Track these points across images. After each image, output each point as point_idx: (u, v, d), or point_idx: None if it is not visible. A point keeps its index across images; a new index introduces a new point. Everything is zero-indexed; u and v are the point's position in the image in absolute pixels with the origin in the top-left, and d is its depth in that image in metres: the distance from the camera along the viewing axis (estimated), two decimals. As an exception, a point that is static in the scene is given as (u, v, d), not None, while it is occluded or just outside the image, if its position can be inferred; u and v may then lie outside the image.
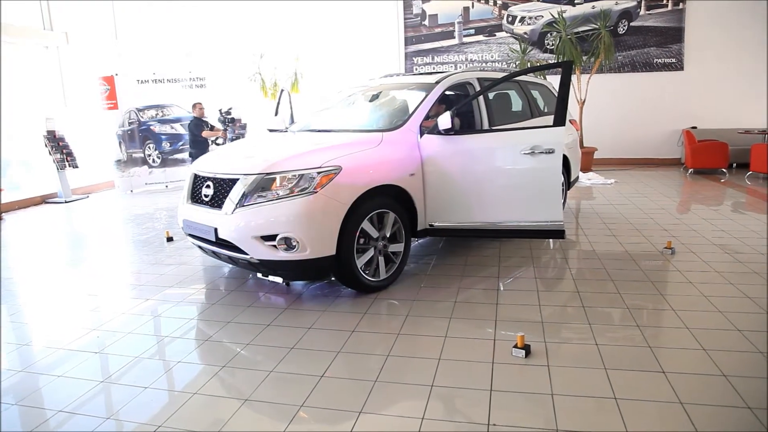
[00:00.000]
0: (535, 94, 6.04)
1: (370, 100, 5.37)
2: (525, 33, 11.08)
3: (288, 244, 3.65)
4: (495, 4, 11.19)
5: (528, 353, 2.97)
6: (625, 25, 10.64)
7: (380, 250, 4.06)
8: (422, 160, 4.33)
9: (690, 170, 9.61)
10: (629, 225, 5.89)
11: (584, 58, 10.09)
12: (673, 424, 2.31)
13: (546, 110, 5.98)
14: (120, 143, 10.08)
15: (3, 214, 8.19)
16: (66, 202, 9.30)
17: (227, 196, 3.85)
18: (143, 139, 10.17)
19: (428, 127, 4.41)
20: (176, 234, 6.07)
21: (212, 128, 8.86)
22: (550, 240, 5.35)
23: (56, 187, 9.48)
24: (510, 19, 11.16)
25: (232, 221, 3.76)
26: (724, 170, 9.43)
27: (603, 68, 10.38)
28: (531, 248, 5.10)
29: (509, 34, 11.22)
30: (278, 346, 3.24)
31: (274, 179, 3.74)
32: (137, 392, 2.79)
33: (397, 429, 2.38)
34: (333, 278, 4.12)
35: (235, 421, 2.48)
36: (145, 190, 10.19)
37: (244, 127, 10.94)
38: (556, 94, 4.20)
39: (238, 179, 3.85)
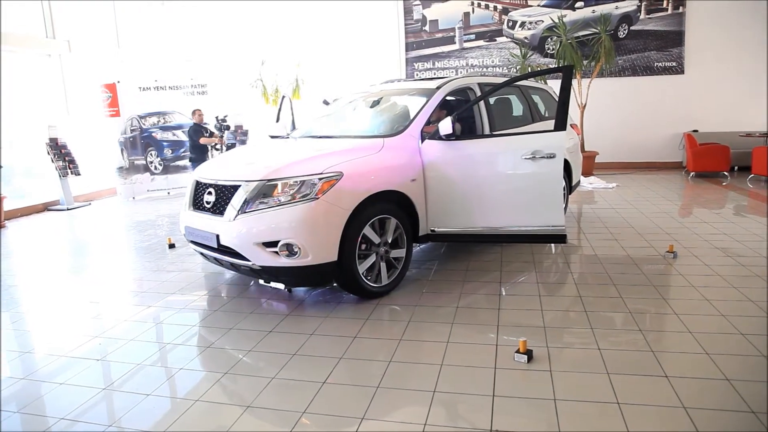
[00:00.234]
0: (536, 98, 6.05)
1: (371, 106, 5.38)
2: (525, 38, 11.10)
3: (290, 250, 3.65)
4: (495, 9, 11.23)
5: (530, 358, 2.96)
6: (625, 29, 10.66)
7: (382, 255, 4.06)
8: (423, 166, 4.34)
9: (691, 174, 9.60)
10: (631, 229, 5.88)
11: (585, 62, 10.12)
12: (675, 429, 2.30)
13: (547, 115, 5.99)
14: (122, 150, 10.12)
15: (5, 221, 8.21)
16: (68, 209, 9.32)
17: (229, 202, 3.86)
18: (145, 146, 10.20)
19: (429, 132, 4.41)
20: (178, 241, 6.07)
21: (211, 134, 8.92)
22: (552, 245, 5.34)
23: (58, 195, 9.50)
24: (510, 24, 11.19)
25: (233, 228, 3.77)
26: (725, 173, 9.42)
27: (604, 72, 10.40)
28: (533, 253, 5.10)
29: (510, 39, 11.25)
30: (280, 353, 3.24)
31: (275, 185, 3.74)
32: (140, 399, 2.78)
33: (399, 435, 2.38)
34: (335, 284, 4.11)
35: (238, 428, 2.48)
36: (147, 197, 10.21)
37: (245, 133, 10.97)
38: (557, 99, 4.21)
39: (239, 186, 3.85)
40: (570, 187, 6.19)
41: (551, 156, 4.07)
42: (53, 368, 3.21)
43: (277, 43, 11.98)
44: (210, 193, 4.08)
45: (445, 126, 4.21)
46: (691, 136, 9.71)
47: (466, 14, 11.38)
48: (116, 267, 5.49)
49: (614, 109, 10.80)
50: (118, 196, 10.31)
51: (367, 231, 3.90)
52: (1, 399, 2.87)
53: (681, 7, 10.31)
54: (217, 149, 9.17)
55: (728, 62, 10.20)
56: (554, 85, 6.01)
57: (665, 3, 10.39)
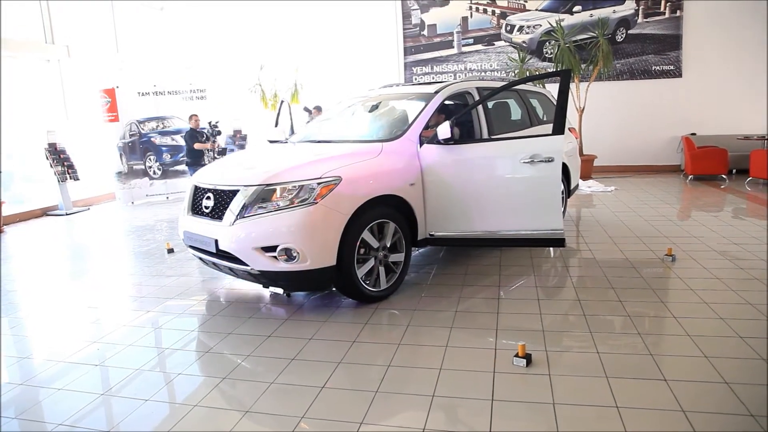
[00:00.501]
0: (534, 102, 6.07)
1: (370, 111, 5.39)
2: (523, 42, 11.14)
3: (288, 254, 3.65)
4: (493, 13, 11.26)
5: (529, 362, 2.96)
6: (623, 33, 10.69)
7: (381, 260, 4.06)
8: (422, 170, 4.34)
9: (690, 177, 9.62)
10: (629, 232, 5.89)
11: (583, 66, 10.14)
12: (675, 433, 2.30)
13: (545, 119, 6.00)
14: (121, 155, 10.12)
15: (4, 226, 8.21)
16: (67, 214, 9.32)
17: (227, 207, 3.86)
18: (144, 151, 10.22)
19: (428, 136, 4.42)
20: (177, 245, 6.07)
21: (206, 140, 8.98)
22: (551, 248, 5.35)
23: (57, 200, 9.50)
24: (508, 28, 11.23)
25: (232, 232, 3.77)
26: (723, 176, 9.44)
27: (602, 76, 10.42)
28: (531, 257, 5.10)
29: (508, 43, 11.28)
30: (279, 357, 3.24)
31: (274, 190, 3.75)
32: (138, 405, 2.78)
33: (398, 440, 2.38)
34: (333, 289, 4.11)
35: (236, 433, 2.48)
36: (146, 202, 10.22)
37: (244, 138, 11.00)
38: (555, 103, 4.22)
39: (238, 190, 3.86)
40: (568, 191, 6.20)
41: (549, 160, 4.08)
42: (52, 373, 3.21)
43: (275, 48, 12.00)
44: (209, 197, 4.08)
45: (444, 130, 4.22)
46: (689, 140, 9.73)
47: (465, 18, 11.42)
48: (115, 272, 5.49)
49: (612, 113, 10.82)
50: (116, 200, 10.31)
51: (366, 235, 3.90)
52: (0, 404, 2.87)
53: (678, 11, 10.35)
54: (212, 153, 9.23)
55: (726, 65, 10.23)
56: (552, 89, 6.03)
57: (663, 7, 10.43)
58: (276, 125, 5.92)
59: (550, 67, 10.81)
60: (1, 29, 8.77)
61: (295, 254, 3.63)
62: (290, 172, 3.86)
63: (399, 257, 4.20)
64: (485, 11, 11.30)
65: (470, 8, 11.35)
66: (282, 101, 6.11)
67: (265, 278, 3.86)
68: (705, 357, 2.95)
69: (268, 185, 3.76)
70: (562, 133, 4.08)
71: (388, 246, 4.10)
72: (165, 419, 2.64)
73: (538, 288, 4.24)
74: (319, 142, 4.92)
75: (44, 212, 9.47)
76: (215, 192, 4.06)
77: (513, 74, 10.88)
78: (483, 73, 11.46)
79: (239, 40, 12.10)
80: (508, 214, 4.32)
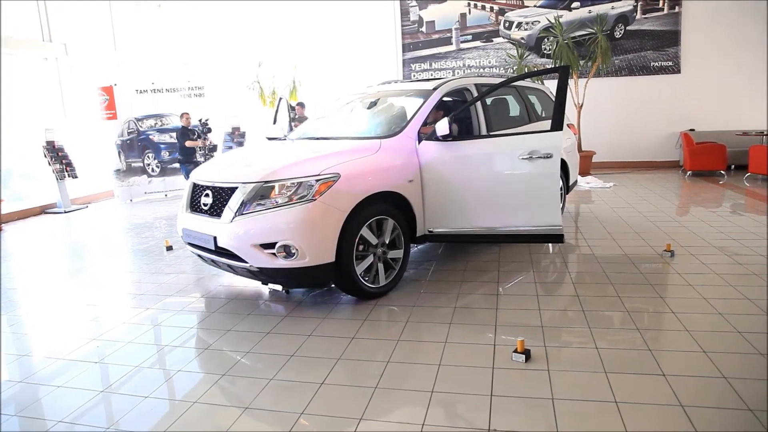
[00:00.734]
0: (533, 99, 6.06)
1: (368, 107, 5.38)
2: (522, 38, 11.12)
3: (287, 251, 3.65)
4: (492, 10, 11.24)
5: (528, 358, 2.97)
6: (621, 29, 10.68)
7: (379, 256, 4.07)
8: (420, 167, 4.34)
9: (688, 173, 9.62)
10: (628, 228, 5.89)
11: (581, 62, 10.14)
12: (674, 427, 2.31)
13: (544, 115, 6.00)
14: (119, 153, 10.11)
15: (3, 224, 8.20)
16: (65, 212, 9.31)
17: (226, 204, 3.86)
18: (142, 149, 10.20)
19: (426, 133, 4.42)
20: (176, 243, 6.07)
21: (198, 137, 9.00)
22: (549, 244, 5.35)
23: (56, 198, 9.49)
24: (507, 24, 11.21)
25: (231, 229, 3.77)
26: (722, 172, 9.45)
27: (600, 72, 10.42)
28: (530, 253, 5.10)
29: (506, 40, 11.26)
30: (278, 354, 3.24)
31: (272, 187, 3.75)
32: (137, 402, 2.78)
33: (397, 435, 2.38)
34: (333, 285, 4.12)
35: (236, 429, 2.48)
36: (145, 200, 10.21)
37: (242, 135, 10.99)
38: (554, 99, 4.22)
39: (236, 188, 3.86)
40: (567, 187, 6.21)
41: (548, 156, 4.08)
42: (51, 371, 3.21)
43: (273, 45, 11.98)
44: (207, 195, 4.08)
45: (442, 127, 4.21)
46: (688, 135, 9.73)
47: (463, 15, 11.40)
48: (114, 269, 5.49)
49: (611, 109, 10.82)
50: (115, 198, 10.30)
51: (365, 232, 3.90)
52: (0, 401, 2.87)
53: (677, 7, 10.33)
54: (203, 150, 9.28)
55: (725, 61, 10.22)
56: (551, 86, 6.02)
57: (661, 3, 10.41)
58: (274, 122, 5.91)
59: (549, 64, 10.80)
60: (0, 27, 8.74)
61: (293, 251, 3.63)
62: (289, 169, 3.85)
63: (398, 254, 4.20)
64: (483, 8, 11.28)
65: (468, 5, 11.33)
66: (280, 98, 6.10)
67: (264, 275, 3.87)
68: (704, 352, 2.96)
69: (266, 182, 3.76)
70: (561, 129, 4.07)
71: (387, 242, 4.10)
72: (165, 416, 2.64)
73: (537, 284, 4.25)
74: (317, 139, 4.91)
75: (43, 210, 9.47)
76: (214, 189, 4.05)
77: (511, 71, 10.87)
78: (481, 70, 11.45)
79: (237, 37, 12.07)
80: (507, 210, 4.32)
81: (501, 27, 11.25)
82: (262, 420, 2.56)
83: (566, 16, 10.70)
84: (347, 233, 3.77)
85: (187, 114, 9.10)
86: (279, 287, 4.10)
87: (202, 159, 9.11)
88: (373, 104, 5.38)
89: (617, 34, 10.67)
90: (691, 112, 10.52)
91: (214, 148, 9.63)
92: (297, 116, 9.59)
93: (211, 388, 2.88)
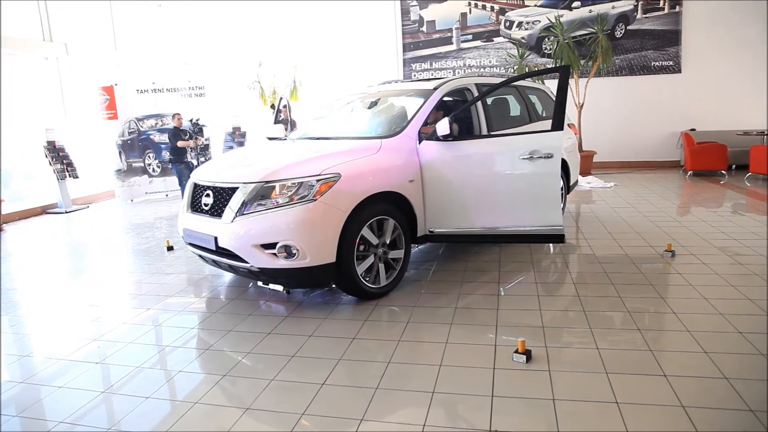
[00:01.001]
0: (534, 98, 6.06)
1: (369, 107, 5.38)
2: (522, 38, 11.12)
3: (288, 251, 3.65)
4: (492, 9, 11.23)
5: (529, 358, 2.97)
6: (622, 29, 10.67)
7: (380, 256, 4.06)
8: (421, 167, 4.34)
9: (689, 172, 9.62)
10: (629, 228, 5.89)
11: (582, 62, 10.13)
12: (675, 428, 2.31)
13: (544, 115, 5.99)
14: (120, 153, 10.11)
15: (4, 224, 8.21)
16: (66, 212, 9.31)
17: (227, 204, 3.86)
18: (143, 149, 10.20)
19: (427, 133, 4.42)
20: (177, 243, 6.07)
21: (189, 137, 9.05)
22: (550, 244, 5.35)
23: (56, 198, 9.49)
24: (507, 24, 11.20)
25: (231, 230, 3.77)
26: (723, 172, 9.44)
27: (601, 72, 10.41)
28: (531, 253, 5.10)
29: (507, 39, 11.26)
30: (279, 355, 3.24)
31: (273, 187, 3.75)
32: (138, 402, 2.78)
33: (398, 436, 2.38)
34: (333, 285, 4.12)
35: (237, 430, 2.48)
36: (145, 200, 10.21)
37: (243, 135, 10.99)
38: (554, 99, 4.21)
39: (237, 188, 3.86)
40: (568, 187, 6.20)
41: (549, 156, 4.08)
42: (52, 371, 3.21)
43: (274, 45, 11.98)
44: (208, 195, 4.08)
45: (443, 126, 4.21)
46: (689, 135, 9.73)
47: (463, 15, 11.39)
48: (115, 270, 5.49)
49: (612, 109, 10.81)
50: (116, 198, 10.30)
51: (366, 232, 3.90)
52: (0, 402, 2.87)
53: (678, 6, 10.33)
54: (194, 150, 9.33)
55: (725, 61, 10.22)
56: (552, 85, 6.02)
57: (662, 2, 10.41)
58: (275, 122, 5.90)
59: (550, 63, 10.79)
60: (1, 27, 8.74)
61: (294, 251, 3.63)
62: (289, 169, 3.85)
63: (398, 254, 4.20)
64: (484, 7, 11.27)
65: (469, 4, 11.32)
66: (281, 98, 6.10)
67: (265, 275, 3.87)
68: (705, 352, 2.96)
69: (267, 182, 3.76)
70: (562, 129, 4.07)
71: (388, 243, 4.10)
72: (166, 417, 2.64)
73: (538, 284, 4.24)
74: (318, 139, 4.91)
75: (44, 210, 9.47)
76: (214, 189, 4.05)
77: (512, 70, 10.87)
78: (482, 70, 11.44)
79: (238, 36, 12.07)
80: (508, 210, 4.32)
81: (501, 26, 11.25)
82: (263, 421, 2.56)
83: (567, 15, 10.69)
84: (348, 233, 3.77)
85: (179, 114, 9.15)
86: (280, 287, 4.10)
87: (194, 158, 9.16)
88: (373, 104, 5.38)
89: (618, 34, 10.66)
90: (691, 111, 10.51)
91: (205, 148, 9.70)
92: (282, 118, 9.63)
93: (212, 389, 2.88)
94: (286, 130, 8.89)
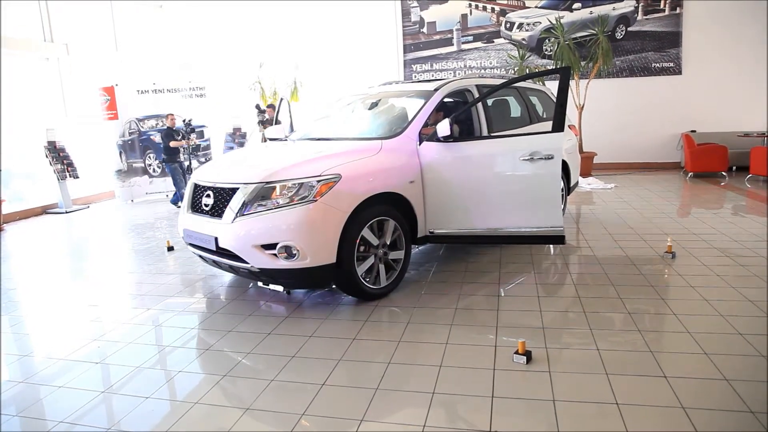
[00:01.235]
0: (534, 100, 6.06)
1: (370, 108, 5.39)
2: (523, 39, 11.12)
3: (288, 252, 3.65)
4: (493, 10, 11.24)
5: (529, 359, 2.96)
6: (622, 30, 10.68)
7: (381, 257, 4.06)
8: (422, 168, 4.34)
9: (690, 174, 9.61)
10: (630, 229, 5.89)
11: (582, 63, 10.14)
12: (675, 429, 2.30)
13: (545, 116, 6.00)
14: (120, 153, 10.12)
15: (4, 224, 8.21)
16: (66, 212, 9.32)
17: (227, 205, 3.86)
18: (143, 149, 10.21)
19: (427, 134, 4.42)
20: (177, 243, 6.07)
21: (182, 137, 9.10)
22: (551, 246, 5.35)
23: (57, 198, 9.50)
24: (508, 25, 11.21)
25: (232, 230, 3.77)
26: (723, 173, 9.44)
27: (601, 73, 10.42)
28: (531, 254, 5.10)
29: (507, 41, 11.27)
30: (279, 355, 3.24)
31: (273, 188, 3.75)
32: (138, 402, 2.78)
33: (398, 437, 2.38)
34: (334, 286, 4.11)
35: (237, 430, 2.48)
36: (146, 200, 10.22)
37: (244, 135, 11.00)
38: (555, 100, 4.22)
39: (238, 188, 3.86)
40: (568, 188, 6.20)
41: (549, 157, 4.08)
42: (52, 371, 3.21)
43: (275, 46, 11.99)
44: (208, 195, 4.08)
45: (443, 128, 4.22)
46: (689, 137, 9.73)
47: (464, 16, 11.40)
48: (115, 270, 5.49)
49: (612, 110, 10.82)
50: (116, 198, 10.31)
51: (366, 233, 3.90)
52: (0, 402, 2.87)
53: (678, 8, 10.34)
54: (187, 150, 9.38)
55: (726, 62, 10.22)
56: (552, 87, 6.03)
57: (662, 4, 10.41)
58: (275, 123, 5.91)
59: (550, 65, 10.80)
60: (1, 27, 8.75)
61: (295, 252, 3.64)
62: (290, 169, 3.86)
63: (399, 255, 4.20)
64: (485, 9, 11.28)
65: (470, 5, 11.33)
66: (281, 99, 6.10)
67: (265, 276, 3.87)
68: (705, 354, 2.96)
69: (267, 183, 3.76)
70: (562, 130, 4.07)
71: (388, 243, 4.10)
72: (166, 417, 2.64)
73: (538, 285, 4.24)
74: (318, 139, 4.91)
75: (44, 210, 9.47)
76: (215, 190, 4.06)
77: (512, 71, 10.88)
78: (482, 71, 11.45)
79: (239, 37, 12.08)
80: (508, 211, 4.32)
81: (502, 28, 11.25)
82: (263, 421, 2.56)
83: (567, 17, 10.70)
84: (348, 234, 3.77)
85: (172, 115, 9.26)
86: (280, 288, 4.10)
87: (186, 158, 9.22)
88: (374, 105, 5.39)
89: (618, 35, 10.67)
90: (692, 113, 10.52)
91: (197, 148, 9.80)
92: (267, 118, 9.67)
93: (213, 389, 2.88)
94: (264, 129, 9.05)
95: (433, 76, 11.60)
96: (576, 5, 10.73)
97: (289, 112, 5.87)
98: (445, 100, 4.93)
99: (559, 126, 4.06)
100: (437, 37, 11.59)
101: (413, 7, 11.56)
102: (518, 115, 5.79)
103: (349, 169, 3.88)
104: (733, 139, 9.73)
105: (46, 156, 9.26)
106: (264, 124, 9.76)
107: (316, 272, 3.72)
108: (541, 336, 3.29)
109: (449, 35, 11.54)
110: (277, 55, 11.87)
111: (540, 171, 4.14)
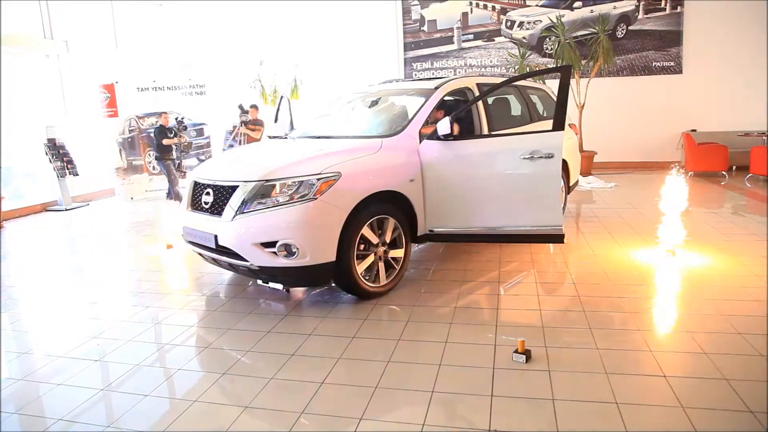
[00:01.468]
0: (534, 98, 6.05)
1: (370, 106, 5.38)
2: (524, 38, 11.11)
3: (288, 250, 3.65)
4: (494, 9, 11.22)
5: (529, 358, 2.96)
6: (623, 29, 10.66)
7: (380, 256, 4.06)
8: (422, 166, 4.34)
9: (690, 173, 9.60)
10: (629, 228, 5.89)
11: (583, 62, 10.12)
12: (674, 428, 2.30)
13: (545, 114, 5.99)
14: (120, 151, 10.11)
15: (4, 222, 8.20)
16: (66, 209, 9.30)
17: (227, 203, 3.86)
18: (143, 147, 10.20)
19: (427, 132, 4.41)
20: (176, 241, 6.06)
21: (175, 135, 9.24)
22: (550, 244, 5.34)
23: (56, 195, 9.49)
24: (508, 24, 11.19)
25: (232, 228, 3.76)
26: (723, 173, 9.43)
27: (602, 72, 10.40)
28: (531, 253, 5.10)
29: (508, 39, 11.25)
30: (279, 353, 3.24)
31: (273, 186, 3.74)
32: (138, 400, 2.78)
33: (397, 435, 2.38)
34: (333, 284, 4.11)
35: (236, 429, 2.48)
36: (145, 198, 10.21)
37: (243, 133, 10.97)
38: (555, 99, 4.21)
39: (237, 186, 3.85)
40: (568, 187, 6.20)
41: (549, 156, 4.07)
42: (52, 369, 3.21)
43: (275, 44, 11.97)
44: (208, 193, 4.08)
45: (444, 126, 4.21)
46: (690, 136, 9.71)
47: (465, 14, 11.38)
48: (114, 267, 5.48)
49: (613, 109, 10.80)
50: (116, 196, 10.30)
51: (366, 231, 3.90)
52: (0, 399, 2.87)
53: (679, 7, 10.31)
54: (179, 147, 9.55)
55: (726, 62, 10.20)
56: (553, 85, 6.01)
57: (663, 3, 10.39)
58: (276, 121, 5.90)
59: (551, 63, 10.78)
60: (1, 24, 8.74)
61: (294, 250, 3.63)
62: (290, 167, 3.85)
63: (399, 253, 4.20)
64: (485, 7, 11.26)
65: (470, 4, 11.31)
66: (282, 97, 6.08)
67: (265, 274, 3.86)
68: (704, 353, 2.95)
69: (267, 181, 3.76)
70: (562, 129, 4.06)
71: (388, 242, 4.10)
72: (165, 414, 2.64)
73: (538, 284, 4.24)
74: (318, 137, 4.91)
75: (44, 208, 9.46)
76: (215, 188, 4.05)
77: (513, 70, 10.86)
78: (483, 69, 11.43)
79: (239, 35, 12.05)
80: (508, 210, 4.31)
81: (503, 26, 11.23)
82: (262, 419, 2.56)
83: (568, 15, 10.68)
84: (348, 232, 3.77)
85: (166, 113, 9.39)
86: (279, 286, 4.10)
87: (177, 156, 9.34)
88: (374, 103, 5.38)
89: (619, 34, 10.65)
90: (692, 112, 10.50)
91: (189, 145, 9.93)
92: (250, 119, 9.66)
93: (211, 387, 2.88)
94: (246, 129, 9.17)
95: (433, 74, 11.58)
96: (577, 4, 10.71)
97: (289, 110, 5.85)
98: (446, 98, 4.92)
99: (559, 125, 4.06)
100: (438, 35, 11.57)
101: (414, 5, 11.54)
102: (518, 113, 5.78)
103: (349, 167, 3.88)
104: (734, 139, 9.71)
105: (46, 153, 9.25)
106: (246, 124, 9.75)
107: (316, 270, 3.71)
108: (541, 335, 3.29)
109: (450, 33, 11.52)
110: (278, 53, 11.85)
111: (540, 170, 4.13)
